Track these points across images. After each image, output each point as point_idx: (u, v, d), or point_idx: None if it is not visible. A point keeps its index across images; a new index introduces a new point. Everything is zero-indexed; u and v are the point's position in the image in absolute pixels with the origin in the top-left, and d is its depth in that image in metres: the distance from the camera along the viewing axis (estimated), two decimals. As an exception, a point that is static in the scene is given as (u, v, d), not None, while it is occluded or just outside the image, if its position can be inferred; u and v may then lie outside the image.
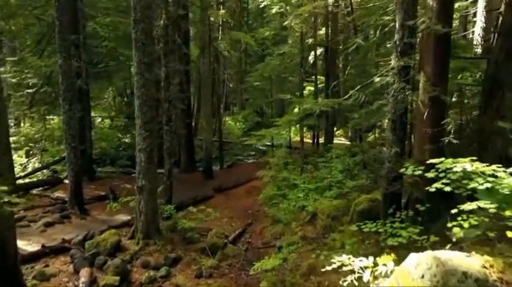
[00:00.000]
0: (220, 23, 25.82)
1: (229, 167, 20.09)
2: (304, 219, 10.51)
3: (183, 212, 11.86)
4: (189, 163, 16.80)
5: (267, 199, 12.11)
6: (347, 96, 6.94)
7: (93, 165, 15.20)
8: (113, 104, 30.77)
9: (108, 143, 22.26)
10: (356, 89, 6.86)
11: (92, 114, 27.26)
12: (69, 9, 13.45)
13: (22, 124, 18.38)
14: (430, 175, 3.99)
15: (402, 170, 4.44)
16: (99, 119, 28.85)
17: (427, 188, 4.11)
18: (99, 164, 19.05)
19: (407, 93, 6.74)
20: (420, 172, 4.14)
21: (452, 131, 6.04)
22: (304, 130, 28.58)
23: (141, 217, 9.01)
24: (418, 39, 8.26)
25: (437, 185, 3.91)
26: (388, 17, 16.32)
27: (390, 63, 7.50)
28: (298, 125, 28.04)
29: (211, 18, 23.75)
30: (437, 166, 3.89)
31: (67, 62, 10.36)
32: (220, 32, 24.13)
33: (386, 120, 7.28)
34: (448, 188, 3.85)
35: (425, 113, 6.53)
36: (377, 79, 6.75)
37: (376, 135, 19.63)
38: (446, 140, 6.11)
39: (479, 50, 11.94)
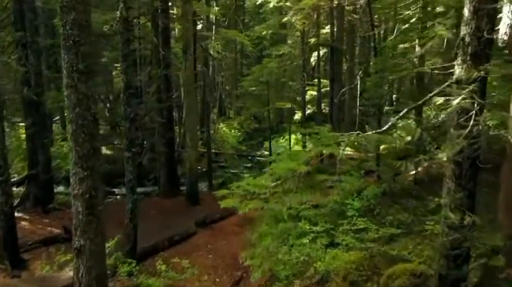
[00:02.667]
0: (213, 21, 23.20)
1: (220, 186, 17.42)
2: (311, 279, 7.85)
3: (153, 261, 9.23)
4: (170, 186, 14.09)
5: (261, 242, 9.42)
6: (387, 127, 4.26)
7: (52, 191, 12.43)
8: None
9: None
10: (402, 113, 4.18)
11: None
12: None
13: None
14: None
15: None
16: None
17: None
18: (68, 185, 16.38)
19: (487, 122, 4.07)
20: None
21: None
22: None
23: (82, 289, 6.29)
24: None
25: None
26: (408, 12, 13.71)
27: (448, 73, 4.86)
28: (299, 135, 25.57)
29: (201, 16, 21.17)
30: None
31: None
32: (213, 32, 21.49)
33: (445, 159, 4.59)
34: None
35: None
36: (440, 100, 4.07)
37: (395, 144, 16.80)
38: None
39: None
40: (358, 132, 4.18)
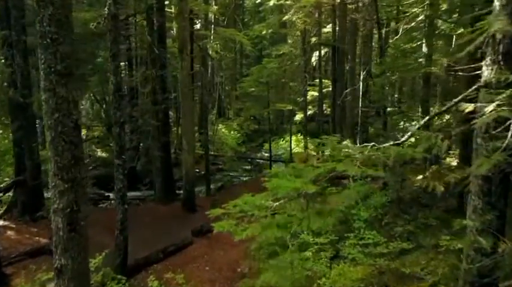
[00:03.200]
0: (212, 20, 22.64)
1: (218, 190, 16.84)
2: (315, 296, 7.27)
3: (146, 275, 8.66)
4: (165, 191, 13.50)
5: (261, 253, 8.86)
6: (406, 138, 3.68)
7: (42, 197, 11.75)
8: (91, 112, 27.54)
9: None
10: (423, 122, 3.62)
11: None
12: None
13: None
14: None
15: None
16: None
17: None
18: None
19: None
20: None
21: None
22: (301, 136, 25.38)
23: (64, 313, 5.70)
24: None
25: None
26: (415, 9, 13.12)
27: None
28: (300, 135, 25.02)
29: (199, 14, 20.57)
30: None
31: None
32: (212, 31, 20.91)
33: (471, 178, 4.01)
34: None
35: None
36: (469, 106, 3.50)
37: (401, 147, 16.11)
38: None
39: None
40: (373, 144, 3.61)
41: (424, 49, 12.38)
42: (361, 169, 3.08)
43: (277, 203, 3.62)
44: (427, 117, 3.78)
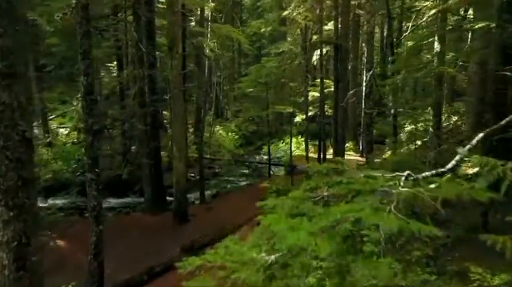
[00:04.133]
0: (209, 17, 21.61)
1: (214, 197, 15.80)
2: (320, 335, 6.21)
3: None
4: (155, 200, 12.44)
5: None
6: (453, 164, 2.63)
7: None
8: (82, 113, 26.46)
9: (65, 164, 17.93)
10: (475, 140, 2.57)
11: (54, 125, 23.14)
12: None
13: None
14: None
15: None
16: (66, 131, 24.59)
17: None
18: (47, 195, 14.94)
19: None
20: None
21: None
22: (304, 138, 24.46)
23: None
24: None
25: None
26: (426, 3, 12.04)
27: None
28: (301, 137, 23.98)
29: (194, 11, 19.54)
30: None
31: None
32: (209, 28, 19.87)
33: None
34: None
35: None
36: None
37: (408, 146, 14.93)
38: None
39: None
40: (409, 172, 2.57)
41: (437, 47, 11.32)
42: (401, 221, 2.04)
43: (273, 258, 2.58)
44: (482, 135, 2.74)
